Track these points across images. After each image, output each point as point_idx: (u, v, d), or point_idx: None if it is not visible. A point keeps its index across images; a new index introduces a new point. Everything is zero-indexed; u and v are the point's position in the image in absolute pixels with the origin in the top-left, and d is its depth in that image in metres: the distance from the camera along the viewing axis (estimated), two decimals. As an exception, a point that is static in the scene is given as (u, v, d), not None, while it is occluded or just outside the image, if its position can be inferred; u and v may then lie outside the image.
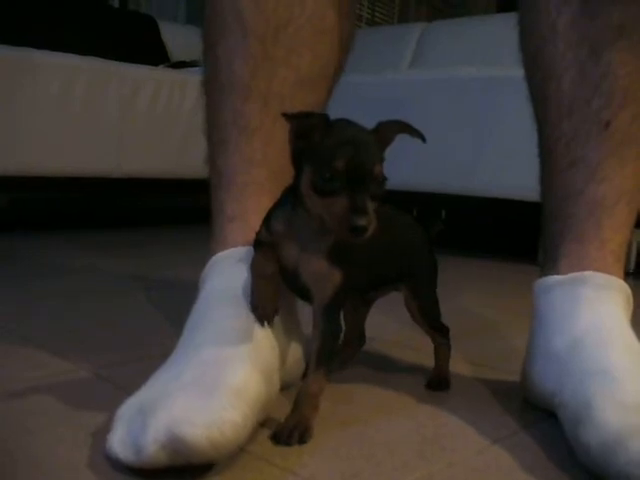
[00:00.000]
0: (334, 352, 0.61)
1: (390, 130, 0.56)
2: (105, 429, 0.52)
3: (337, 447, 0.55)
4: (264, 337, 0.59)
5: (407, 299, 0.71)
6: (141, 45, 2.66)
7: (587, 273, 0.66)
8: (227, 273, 0.64)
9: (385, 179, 0.52)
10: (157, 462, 0.47)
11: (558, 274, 0.68)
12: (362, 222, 0.49)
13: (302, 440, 0.55)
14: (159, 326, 0.92)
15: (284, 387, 0.63)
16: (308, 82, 0.71)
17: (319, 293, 0.58)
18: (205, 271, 0.67)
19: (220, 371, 0.53)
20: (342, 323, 0.64)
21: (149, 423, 0.48)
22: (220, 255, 0.66)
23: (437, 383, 0.72)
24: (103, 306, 1.05)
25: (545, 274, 0.70)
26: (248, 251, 0.63)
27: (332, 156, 0.51)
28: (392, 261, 0.68)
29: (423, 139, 0.56)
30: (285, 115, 0.53)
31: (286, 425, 0.56)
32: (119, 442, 0.49)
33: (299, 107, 0.69)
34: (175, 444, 0.46)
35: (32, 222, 2.30)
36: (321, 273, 0.57)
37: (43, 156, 1.84)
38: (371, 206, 0.51)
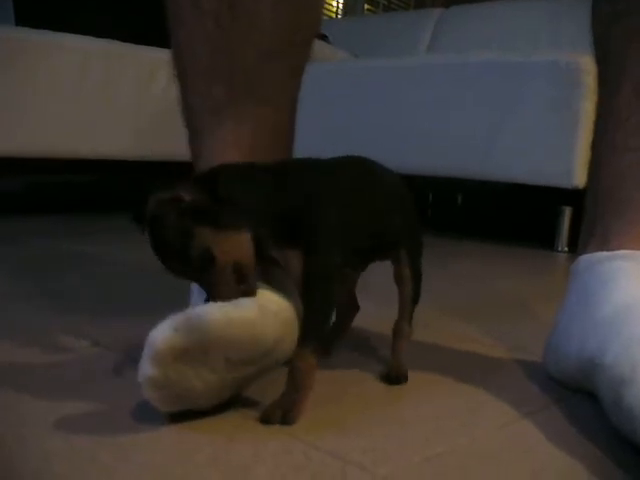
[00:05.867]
0: (323, 327, 0.56)
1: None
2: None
3: (357, 424, 0.56)
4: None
5: (401, 265, 0.67)
6: (158, 29, 2.65)
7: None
8: None
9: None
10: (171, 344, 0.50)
11: (609, 251, 0.67)
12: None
13: (284, 421, 0.53)
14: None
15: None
16: (274, 53, 0.68)
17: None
18: None
19: None
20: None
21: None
22: None
23: (395, 377, 0.66)
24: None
25: (591, 251, 0.69)
26: None
27: None
28: (393, 220, 0.66)
29: None
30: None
31: (272, 404, 0.55)
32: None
33: (268, 80, 0.68)
34: (190, 321, 0.50)
35: (50, 205, 2.32)
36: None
37: (59, 138, 1.85)
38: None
